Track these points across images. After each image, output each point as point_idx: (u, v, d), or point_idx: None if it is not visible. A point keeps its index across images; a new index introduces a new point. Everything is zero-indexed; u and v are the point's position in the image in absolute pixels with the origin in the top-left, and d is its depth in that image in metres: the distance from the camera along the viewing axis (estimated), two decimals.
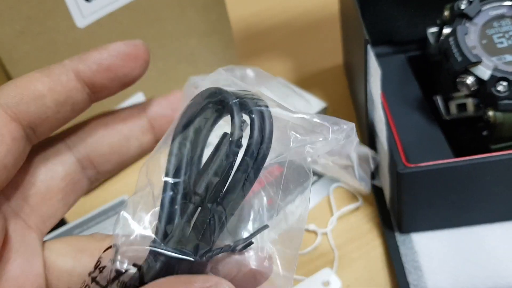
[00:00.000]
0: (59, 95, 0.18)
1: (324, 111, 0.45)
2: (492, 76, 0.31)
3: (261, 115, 0.17)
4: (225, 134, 0.17)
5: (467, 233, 0.33)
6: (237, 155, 0.17)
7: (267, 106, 0.17)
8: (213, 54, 0.45)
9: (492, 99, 0.31)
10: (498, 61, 0.31)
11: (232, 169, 0.17)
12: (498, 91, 0.30)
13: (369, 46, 0.31)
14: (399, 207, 0.33)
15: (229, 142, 0.17)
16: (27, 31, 0.35)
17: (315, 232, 0.36)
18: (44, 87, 0.18)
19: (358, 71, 0.37)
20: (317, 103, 0.45)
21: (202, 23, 0.43)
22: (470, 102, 0.37)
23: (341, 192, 0.39)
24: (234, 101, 0.17)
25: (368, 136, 0.36)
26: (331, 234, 0.36)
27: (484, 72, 0.31)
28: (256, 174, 0.17)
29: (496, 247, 0.32)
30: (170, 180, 0.17)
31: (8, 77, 0.35)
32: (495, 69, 0.31)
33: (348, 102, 0.46)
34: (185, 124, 0.18)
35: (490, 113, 0.31)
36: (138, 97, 0.42)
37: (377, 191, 0.37)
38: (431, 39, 0.38)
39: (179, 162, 0.18)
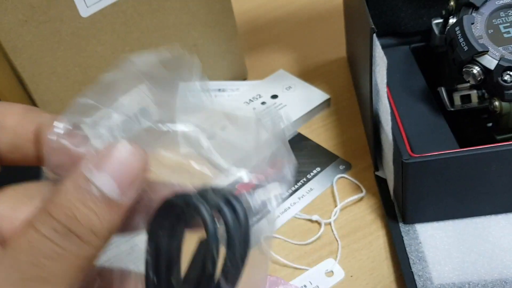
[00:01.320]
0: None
1: (327, 103, 0.45)
2: (498, 66, 0.30)
3: (233, 211, 0.16)
4: (201, 243, 0.17)
5: (472, 224, 0.33)
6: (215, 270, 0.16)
7: (234, 196, 0.16)
8: (217, 46, 0.45)
9: (498, 89, 0.31)
10: (505, 51, 0.31)
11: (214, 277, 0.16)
12: (505, 81, 0.30)
13: (374, 35, 0.31)
14: (404, 198, 0.33)
15: (209, 266, 0.16)
16: (31, 20, 0.34)
17: (318, 223, 0.36)
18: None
19: (363, 62, 0.36)
20: (320, 95, 0.45)
21: (205, 14, 0.43)
22: (474, 94, 0.37)
23: (345, 183, 0.39)
24: (202, 206, 0.16)
25: (372, 127, 0.36)
26: (334, 224, 0.36)
27: (490, 61, 0.31)
28: (239, 271, 0.16)
29: (501, 238, 0.32)
30: None
31: (12, 67, 0.35)
32: (502, 58, 0.30)
33: (351, 94, 0.46)
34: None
35: (496, 103, 0.31)
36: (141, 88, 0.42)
37: (380, 182, 0.37)
38: (436, 30, 0.38)
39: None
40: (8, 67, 0.36)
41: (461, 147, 0.33)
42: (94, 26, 0.37)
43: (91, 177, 0.15)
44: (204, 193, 0.17)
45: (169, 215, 0.17)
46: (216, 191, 0.17)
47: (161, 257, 0.17)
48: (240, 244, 0.16)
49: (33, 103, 0.37)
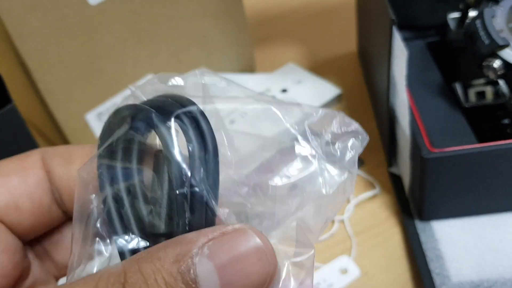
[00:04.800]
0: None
1: (338, 97, 0.44)
2: None
3: (192, 118, 0.15)
4: (157, 156, 0.15)
5: (489, 221, 0.32)
6: (184, 188, 0.14)
7: (194, 104, 0.15)
8: (226, 38, 0.44)
9: None
10: None
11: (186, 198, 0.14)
12: None
13: (394, 27, 0.30)
14: (421, 194, 0.32)
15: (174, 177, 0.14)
16: (38, 6, 0.33)
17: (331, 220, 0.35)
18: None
19: (380, 55, 0.36)
20: (331, 89, 0.44)
21: (215, 5, 0.42)
22: (489, 90, 0.37)
23: (358, 180, 0.38)
24: (153, 115, 0.14)
25: (388, 122, 0.35)
26: (348, 221, 0.35)
27: (511, 55, 0.30)
28: (216, 187, 0.14)
29: None
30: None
31: (17, 54, 0.34)
32: None
33: (362, 89, 0.45)
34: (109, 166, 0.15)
35: None
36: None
37: (394, 179, 0.37)
38: (452, 25, 0.37)
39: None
40: (13, 55, 0.34)
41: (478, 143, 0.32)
42: (102, 14, 0.36)
43: (195, 260, 0.12)
44: (155, 102, 0.15)
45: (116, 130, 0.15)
46: (167, 98, 0.15)
47: (118, 186, 0.15)
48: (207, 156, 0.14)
49: (38, 92, 0.36)
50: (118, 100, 0.40)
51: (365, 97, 0.44)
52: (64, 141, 0.39)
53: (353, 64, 0.48)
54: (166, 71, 0.42)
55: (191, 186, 0.14)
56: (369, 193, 0.36)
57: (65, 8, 0.34)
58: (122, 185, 0.15)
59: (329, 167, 0.16)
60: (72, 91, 0.37)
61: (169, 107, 0.15)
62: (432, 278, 0.30)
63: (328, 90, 0.44)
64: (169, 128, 0.14)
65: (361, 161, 0.39)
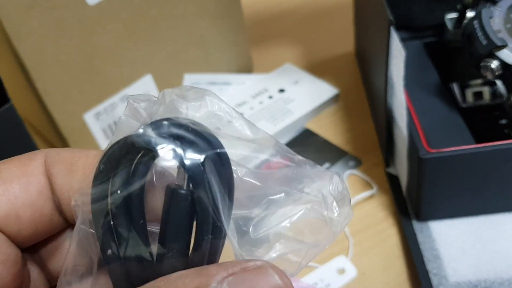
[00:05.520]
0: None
1: (336, 98, 0.44)
2: None
3: (218, 159, 0.14)
4: (173, 190, 0.14)
5: (486, 221, 0.32)
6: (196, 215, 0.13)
7: (220, 143, 0.14)
8: (223, 38, 0.44)
9: None
10: None
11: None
12: None
13: (392, 28, 0.30)
14: (418, 194, 0.32)
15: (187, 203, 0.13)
16: (36, 6, 0.33)
17: None
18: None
19: (377, 55, 0.36)
20: (329, 89, 0.44)
21: (213, 5, 0.42)
22: (486, 90, 0.37)
23: (355, 180, 0.38)
24: (184, 155, 0.13)
25: (385, 122, 0.35)
26: None
27: (509, 56, 0.30)
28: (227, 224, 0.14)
29: None
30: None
31: (15, 54, 0.34)
32: None
33: (359, 89, 0.45)
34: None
35: None
36: (146, 79, 0.41)
37: (392, 179, 0.37)
38: (449, 25, 0.37)
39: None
40: (11, 55, 0.34)
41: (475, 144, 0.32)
42: (100, 14, 0.36)
43: None
44: (163, 126, 0.13)
45: (120, 165, 0.14)
46: (175, 123, 0.13)
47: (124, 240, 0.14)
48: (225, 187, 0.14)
49: (35, 92, 0.36)
50: (116, 99, 0.40)
51: (362, 97, 0.44)
52: (62, 140, 0.39)
53: (351, 65, 0.48)
54: (163, 71, 0.42)
55: (215, 230, 0.14)
56: (367, 193, 0.37)
57: (63, 8, 0.34)
58: (128, 239, 0.14)
59: (315, 218, 0.16)
60: (70, 90, 0.37)
61: (199, 145, 0.13)
62: (429, 279, 0.30)
63: (326, 90, 0.44)
64: (202, 172, 0.13)
65: (359, 161, 0.39)
